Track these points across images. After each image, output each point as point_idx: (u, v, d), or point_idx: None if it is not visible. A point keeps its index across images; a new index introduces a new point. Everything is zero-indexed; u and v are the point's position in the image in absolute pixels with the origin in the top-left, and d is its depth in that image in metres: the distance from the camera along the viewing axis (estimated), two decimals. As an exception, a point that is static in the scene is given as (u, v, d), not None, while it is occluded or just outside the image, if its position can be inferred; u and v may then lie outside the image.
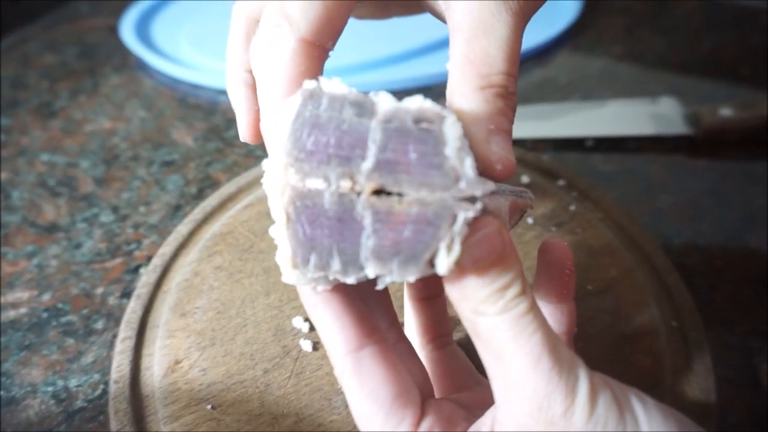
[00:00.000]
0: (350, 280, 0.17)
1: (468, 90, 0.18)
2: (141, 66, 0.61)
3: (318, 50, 0.20)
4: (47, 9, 0.74)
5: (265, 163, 0.17)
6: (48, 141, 0.50)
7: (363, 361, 0.19)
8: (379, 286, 0.17)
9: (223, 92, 0.56)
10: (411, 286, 0.26)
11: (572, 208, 0.38)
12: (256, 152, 0.48)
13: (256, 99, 0.22)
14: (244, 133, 0.25)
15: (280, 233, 0.17)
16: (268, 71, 0.19)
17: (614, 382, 0.18)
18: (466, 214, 0.16)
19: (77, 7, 0.75)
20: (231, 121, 0.52)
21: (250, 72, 0.24)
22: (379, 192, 0.16)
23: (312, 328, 0.31)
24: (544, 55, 0.60)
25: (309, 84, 0.17)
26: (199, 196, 0.43)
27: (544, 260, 0.23)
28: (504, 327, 0.16)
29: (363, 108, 0.17)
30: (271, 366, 0.30)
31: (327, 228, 0.16)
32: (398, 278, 0.16)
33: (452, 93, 0.19)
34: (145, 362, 0.31)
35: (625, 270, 0.34)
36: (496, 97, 0.18)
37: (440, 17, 0.22)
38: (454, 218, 0.16)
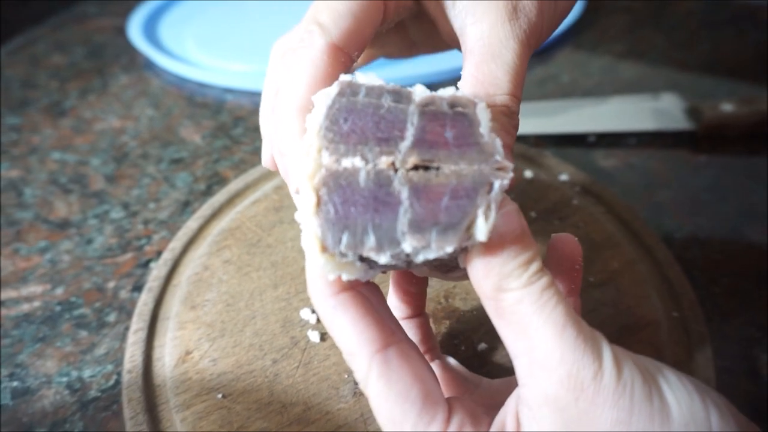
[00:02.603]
0: (384, 258, 0.17)
1: None
2: (149, 65, 0.62)
3: (344, 56, 0.21)
4: (55, 10, 0.75)
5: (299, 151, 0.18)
6: (59, 139, 0.51)
7: (391, 361, 0.19)
8: (419, 259, 0.17)
9: (229, 90, 0.57)
10: (394, 307, 0.26)
11: (575, 202, 0.39)
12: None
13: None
14: (267, 162, 0.25)
15: (308, 218, 0.17)
16: (296, 69, 0.21)
17: (632, 354, 0.18)
18: (502, 181, 0.17)
19: (85, 8, 0.76)
20: (238, 119, 0.53)
21: None
22: (415, 169, 0.17)
23: (320, 320, 0.32)
24: (546, 53, 0.61)
25: (345, 77, 0.18)
26: (208, 192, 0.44)
27: (555, 255, 0.23)
28: (528, 300, 0.17)
29: (401, 95, 0.18)
30: (279, 356, 0.31)
31: (362, 206, 0.17)
32: (435, 251, 0.16)
33: None
34: (157, 353, 0.31)
35: (627, 263, 0.35)
36: (500, 114, 0.20)
37: (458, 47, 0.23)
38: (491, 186, 0.17)
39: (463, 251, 0.18)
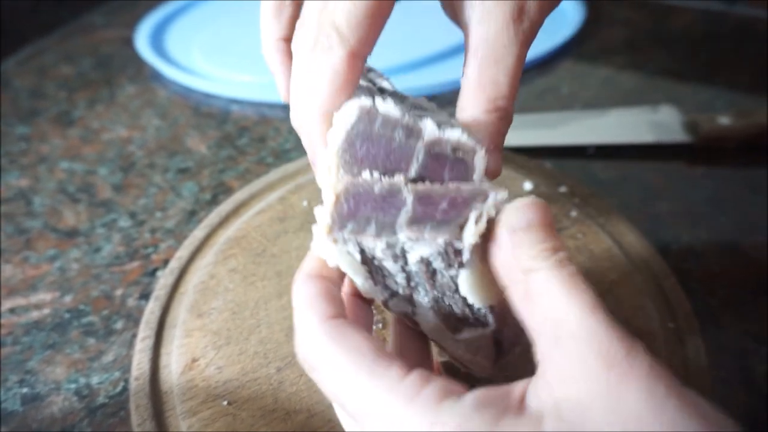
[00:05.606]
0: (381, 244, 0.19)
1: (477, 112, 0.22)
2: (155, 76, 0.63)
3: (361, 61, 0.21)
4: (63, 21, 0.76)
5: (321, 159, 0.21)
6: (67, 149, 0.52)
7: (342, 326, 0.18)
8: (414, 255, 0.19)
9: (235, 101, 0.58)
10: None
11: (573, 214, 0.40)
12: (267, 159, 0.49)
13: (290, 62, 0.25)
14: (284, 95, 0.29)
15: (323, 211, 0.20)
16: (317, 76, 0.21)
17: None
18: (496, 195, 0.19)
19: (92, 19, 0.77)
20: (243, 129, 0.54)
21: (282, 40, 0.29)
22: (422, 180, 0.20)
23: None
24: (546, 65, 0.62)
25: (365, 102, 0.20)
26: (213, 202, 0.45)
27: None
28: (558, 280, 0.17)
29: (412, 132, 0.20)
30: (283, 364, 0.31)
31: (371, 206, 0.19)
32: (428, 240, 0.19)
33: (463, 109, 0.22)
34: (164, 360, 0.32)
35: (624, 274, 0.35)
36: (499, 119, 0.22)
37: (457, 24, 0.24)
38: (486, 197, 0.19)
39: (476, 248, 0.19)
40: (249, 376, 0.31)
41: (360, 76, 0.22)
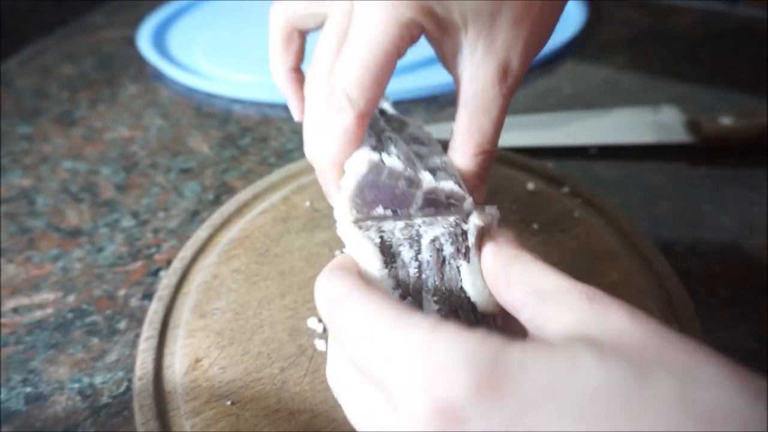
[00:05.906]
0: (400, 224, 0.23)
1: (467, 157, 0.26)
2: (157, 76, 0.63)
3: (368, 118, 0.25)
4: (65, 21, 0.76)
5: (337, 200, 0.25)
6: (70, 149, 0.52)
7: (366, 287, 0.20)
8: (426, 238, 0.23)
9: (237, 101, 0.58)
10: None
11: (576, 214, 0.40)
12: (270, 160, 0.49)
13: (301, 89, 0.31)
14: (297, 116, 0.33)
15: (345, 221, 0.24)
16: (330, 134, 0.25)
17: None
18: (491, 209, 0.23)
19: (94, 18, 0.77)
20: (245, 130, 0.54)
21: (292, 69, 0.32)
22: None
23: (326, 329, 0.33)
24: (548, 65, 0.62)
25: (374, 156, 0.23)
26: (216, 202, 0.45)
27: None
28: (533, 266, 0.21)
29: (412, 182, 0.23)
30: (287, 364, 0.31)
31: (388, 212, 0.23)
32: (440, 222, 0.23)
33: (455, 150, 0.26)
34: (167, 360, 0.32)
35: (627, 274, 0.35)
36: (484, 161, 0.26)
37: (450, 74, 0.27)
38: (483, 209, 0.23)
39: (477, 235, 0.23)
40: (252, 376, 0.31)
41: (366, 129, 0.25)
